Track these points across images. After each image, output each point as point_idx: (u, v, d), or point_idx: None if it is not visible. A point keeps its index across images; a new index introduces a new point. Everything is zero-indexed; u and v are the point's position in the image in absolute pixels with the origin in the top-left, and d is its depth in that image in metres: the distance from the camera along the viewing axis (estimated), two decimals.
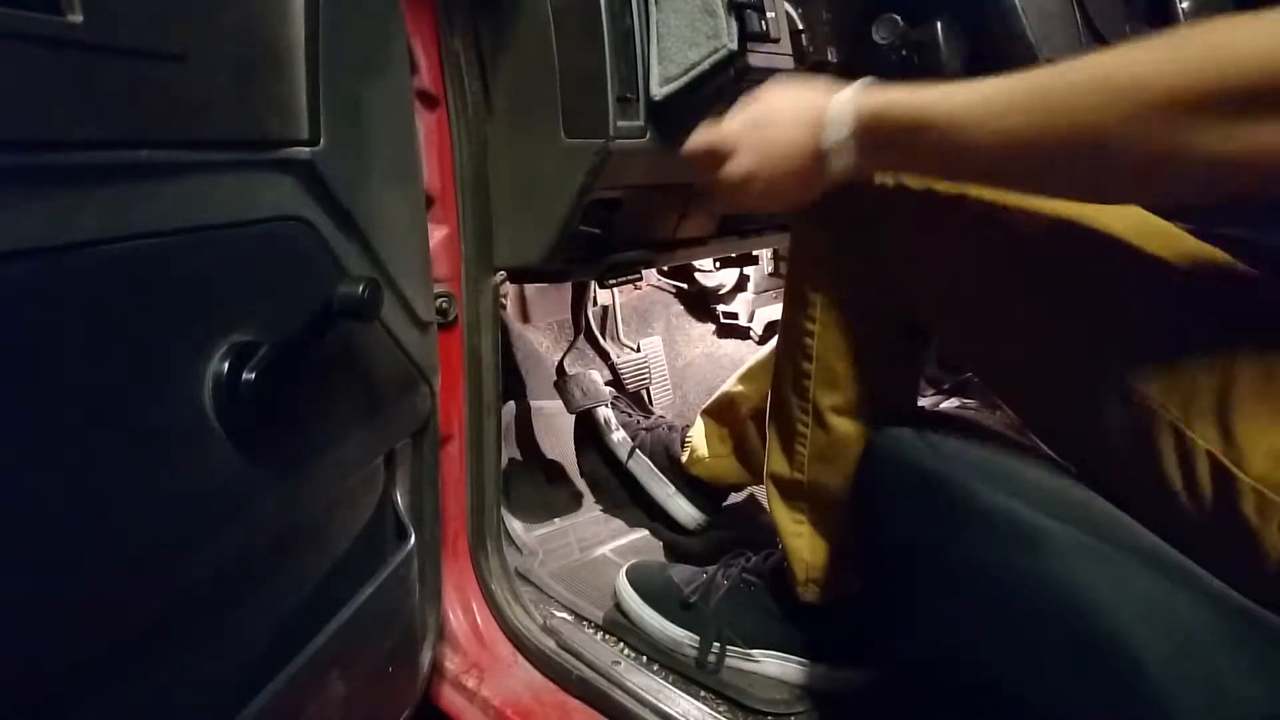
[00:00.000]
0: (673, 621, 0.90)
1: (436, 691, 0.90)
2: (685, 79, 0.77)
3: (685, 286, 1.64)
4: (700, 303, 1.68)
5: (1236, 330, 0.51)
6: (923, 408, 0.82)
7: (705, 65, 0.75)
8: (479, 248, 0.86)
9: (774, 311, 1.64)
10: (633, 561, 1.00)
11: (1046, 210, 0.59)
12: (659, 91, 0.79)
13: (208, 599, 0.48)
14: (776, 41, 0.77)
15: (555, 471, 1.29)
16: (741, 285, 1.65)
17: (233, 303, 0.47)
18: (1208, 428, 0.51)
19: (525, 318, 1.46)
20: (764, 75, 0.77)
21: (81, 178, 0.37)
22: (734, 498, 1.21)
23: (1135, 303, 0.56)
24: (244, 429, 0.46)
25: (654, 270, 1.59)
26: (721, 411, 1.11)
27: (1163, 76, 0.40)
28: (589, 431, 1.30)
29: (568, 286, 1.47)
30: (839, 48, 0.84)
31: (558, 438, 1.33)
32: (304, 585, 0.59)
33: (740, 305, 1.67)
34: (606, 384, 1.34)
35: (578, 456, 1.31)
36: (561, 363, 1.44)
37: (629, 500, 1.23)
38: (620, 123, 0.77)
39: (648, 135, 0.81)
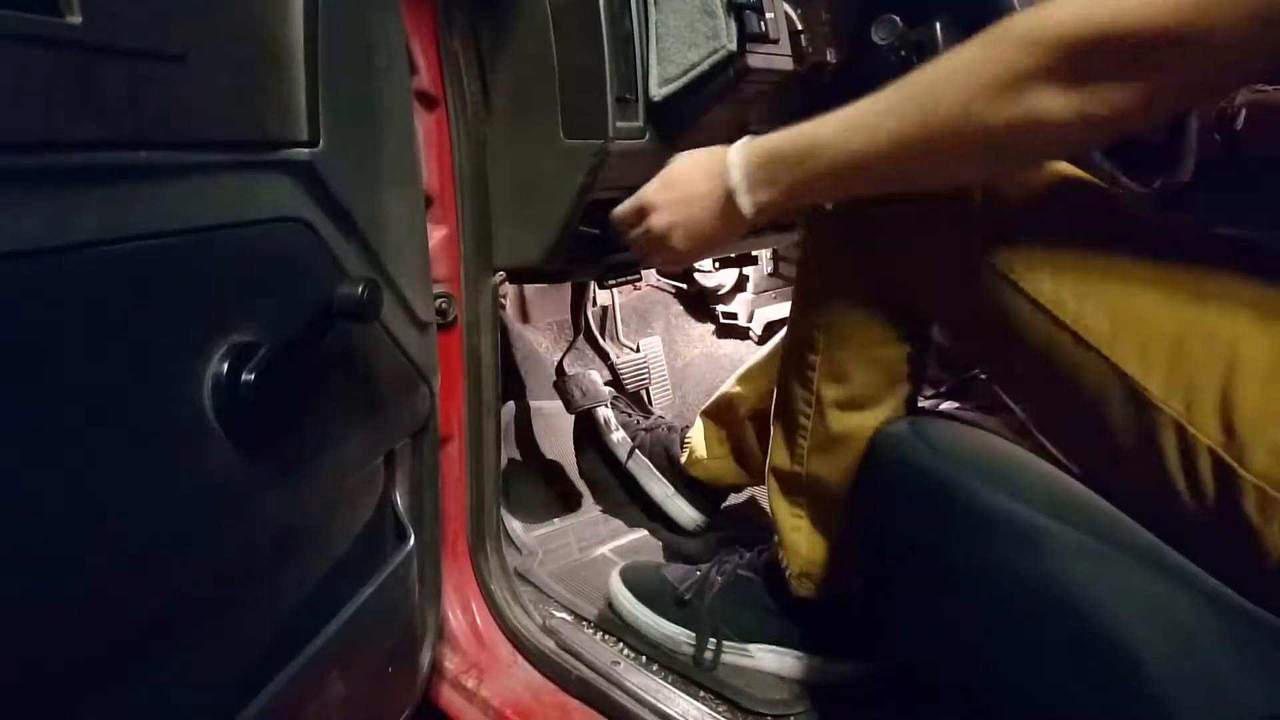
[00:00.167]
0: (667, 619, 0.90)
1: (436, 691, 0.90)
2: (684, 79, 0.77)
3: (685, 287, 1.64)
4: (700, 303, 1.68)
5: (1239, 323, 0.51)
6: (923, 408, 0.82)
7: (704, 66, 0.75)
8: (478, 248, 0.86)
9: (773, 312, 1.64)
10: (625, 563, 1.00)
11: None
12: (658, 92, 0.79)
13: (208, 599, 0.48)
14: (776, 42, 0.77)
15: (555, 471, 1.29)
16: (741, 285, 1.65)
17: (232, 303, 0.47)
18: (1210, 424, 0.51)
19: (525, 318, 1.46)
20: (763, 76, 0.77)
21: (81, 178, 0.37)
22: (733, 499, 1.22)
23: (1138, 297, 0.56)
24: (244, 429, 0.46)
25: (653, 270, 1.59)
26: (720, 412, 1.11)
27: (989, 63, 0.48)
28: (588, 432, 1.30)
29: (567, 287, 1.47)
30: (838, 48, 0.84)
31: (557, 438, 1.33)
32: (304, 585, 0.59)
33: (740, 305, 1.67)
34: (606, 384, 1.34)
35: (577, 457, 1.31)
36: (561, 363, 1.44)
37: (628, 500, 1.23)
38: (619, 123, 0.77)
39: (647, 136, 0.81)
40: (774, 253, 1.66)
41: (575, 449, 1.32)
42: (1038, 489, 0.58)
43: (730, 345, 1.70)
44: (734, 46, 0.73)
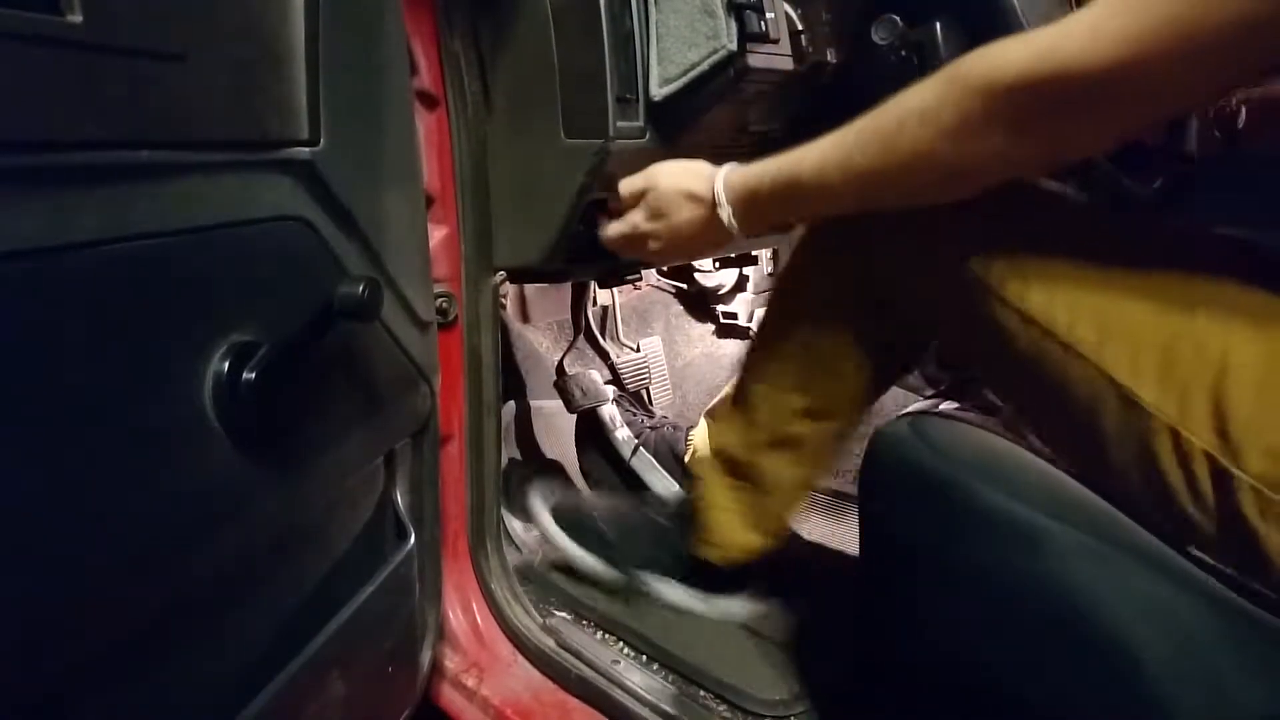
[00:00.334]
0: (589, 551, 0.98)
1: (436, 691, 0.90)
2: (685, 79, 0.77)
3: (685, 286, 1.64)
4: (700, 303, 1.68)
5: (1229, 330, 0.51)
6: (923, 409, 0.82)
7: (705, 66, 0.75)
8: (479, 248, 0.86)
9: None
10: (556, 499, 1.06)
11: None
12: (659, 92, 0.79)
13: (208, 599, 0.48)
14: (776, 42, 0.77)
15: (555, 471, 1.29)
16: (741, 285, 1.65)
17: (233, 303, 0.47)
18: (1204, 429, 0.51)
19: (525, 318, 1.46)
20: (763, 76, 0.77)
21: (81, 178, 0.37)
22: None
23: (1127, 306, 0.56)
24: (244, 429, 0.46)
25: (654, 270, 1.59)
26: None
27: (946, 108, 0.51)
28: (592, 429, 1.30)
29: (567, 286, 1.47)
30: (838, 48, 0.84)
31: (558, 438, 1.33)
32: (304, 585, 0.59)
33: (740, 305, 1.67)
34: (606, 384, 1.34)
35: (579, 455, 1.31)
36: (561, 363, 1.44)
37: None
38: (620, 123, 0.77)
39: (647, 135, 0.81)
40: (774, 253, 1.66)
41: (577, 447, 1.32)
42: (1037, 489, 0.58)
43: (730, 345, 1.70)
44: (734, 46, 0.73)
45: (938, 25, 0.71)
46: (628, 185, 0.78)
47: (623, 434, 1.25)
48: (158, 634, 0.44)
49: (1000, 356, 0.62)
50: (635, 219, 0.77)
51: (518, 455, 1.29)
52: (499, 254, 0.88)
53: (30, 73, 0.34)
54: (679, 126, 0.82)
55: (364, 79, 0.59)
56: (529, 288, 1.44)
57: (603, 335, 1.51)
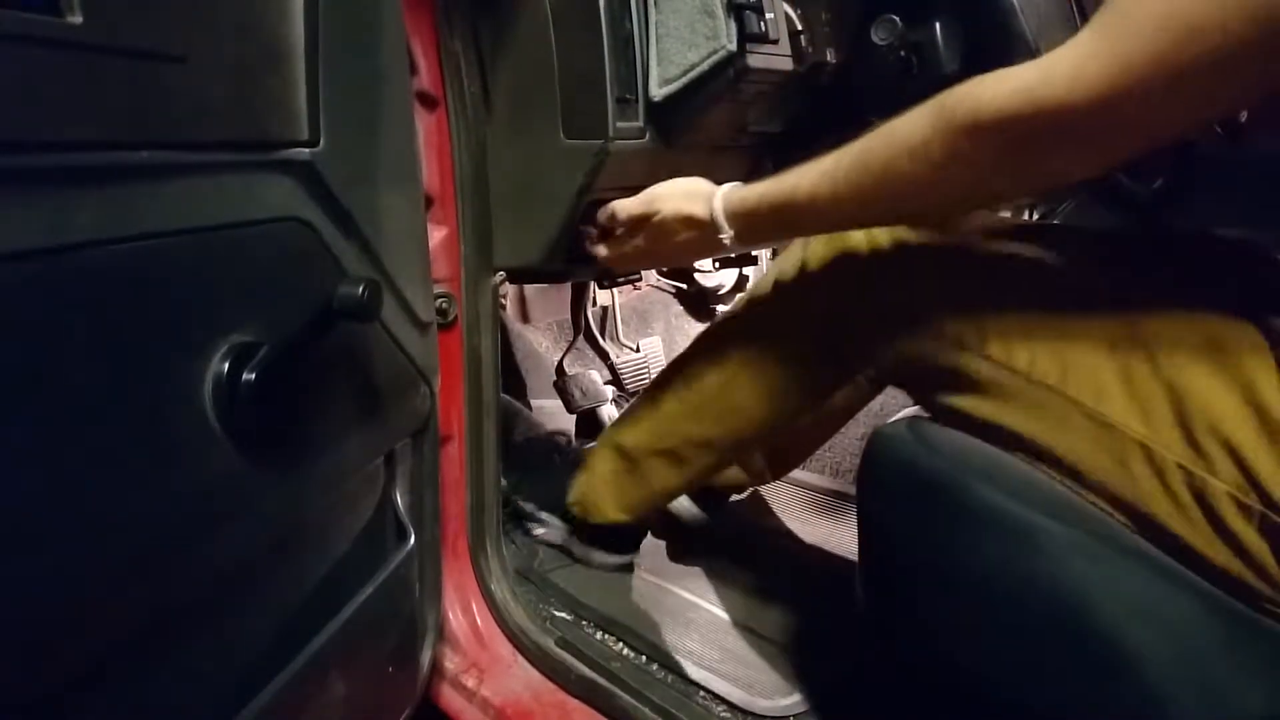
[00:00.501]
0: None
1: (436, 691, 0.90)
2: (684, 80, 0.77)
3: (685, 287, 1.64)
4: (700, 303, 1.68)
5: (1175, 362, 0.53)
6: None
7: (704, 66, 0.75)
8: (478, 248, 0.86)
9: None
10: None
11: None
12: (658, 92, 0.79)
13: (208, 599, 0.48)
14: (775, 42, 0.77)
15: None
16: (741, 286, 1.66)
17: (233, 303, 0.47)
18: (1173, 439, 0.52)
19: (525, 318, 1.46)
20: (763, 76, 0.77)
21: (81, 178, 0.37)
22: (734, 497, 1.22)
23: (1082, 344, 0.58)
24: (244, 429, 0.46)
25: (653, 270, 1.59)
26: None
27: (932, 143, 0.52)
28: (592, 429, 1.30)
29: (567, 287, 1.47)
30: (838, 48, 0.84)
31: None
32: (304, 585, 0.59)
33: None
34: (606, 384, 1.34)
35: None
36: (561, 363, 1.44)
37: None
38: (619, 123, 0.77)
39: (647, 136, 0.81)
40: (774, 253, 1.66)
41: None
42: (1035, 489, 0.58)
43: None
44: (734, 47, 0.73)
45: (937, 25, 0.71)
46: (626, 210, 0.79)
47: None
48: (158, 634, 0.44)
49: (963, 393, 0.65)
50: (635, 242, 0.80)
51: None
52: (499, 254, 0.88)
53: (30, 73, 0.34)
54: (679, 127, 0.82)
55: (364, 79, 0.59)
56: (529, 288, 1.44)
57: (602, 335, 1.51)
